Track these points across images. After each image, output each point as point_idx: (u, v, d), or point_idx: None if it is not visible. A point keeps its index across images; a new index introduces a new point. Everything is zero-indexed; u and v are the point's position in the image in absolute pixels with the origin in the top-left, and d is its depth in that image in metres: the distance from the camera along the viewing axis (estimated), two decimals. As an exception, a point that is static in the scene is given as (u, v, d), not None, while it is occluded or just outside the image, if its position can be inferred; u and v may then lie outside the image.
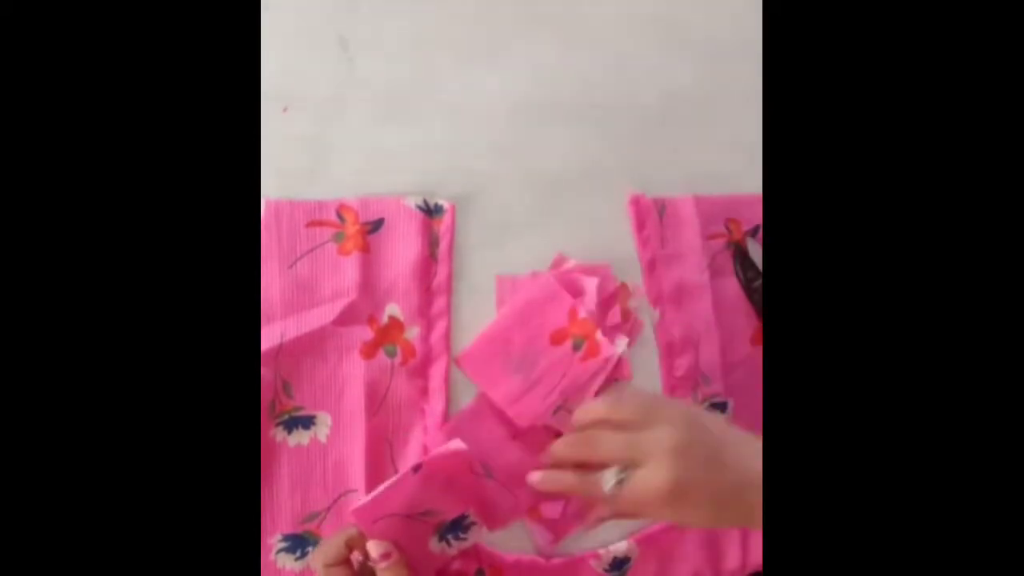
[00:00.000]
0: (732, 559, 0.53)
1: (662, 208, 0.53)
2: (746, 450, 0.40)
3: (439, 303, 0.49)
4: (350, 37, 0.49)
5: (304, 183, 0.47)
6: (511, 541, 0.48)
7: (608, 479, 0.40)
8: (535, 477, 0.43)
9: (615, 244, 0.53)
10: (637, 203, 0.53)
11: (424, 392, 0.48)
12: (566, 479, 0.43)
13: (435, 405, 0.48)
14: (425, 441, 0.47)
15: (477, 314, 0.49)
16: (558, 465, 0.43)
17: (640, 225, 0.53)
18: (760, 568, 0.54)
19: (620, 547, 0.50)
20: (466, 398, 0.48)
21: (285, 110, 0.47)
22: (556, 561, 0.48)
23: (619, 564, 0.50)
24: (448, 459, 0.41)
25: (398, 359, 0.47)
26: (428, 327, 0.48)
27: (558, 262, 0.51)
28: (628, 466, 0.40)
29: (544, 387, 0.47)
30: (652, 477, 0.39)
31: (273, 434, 0.45)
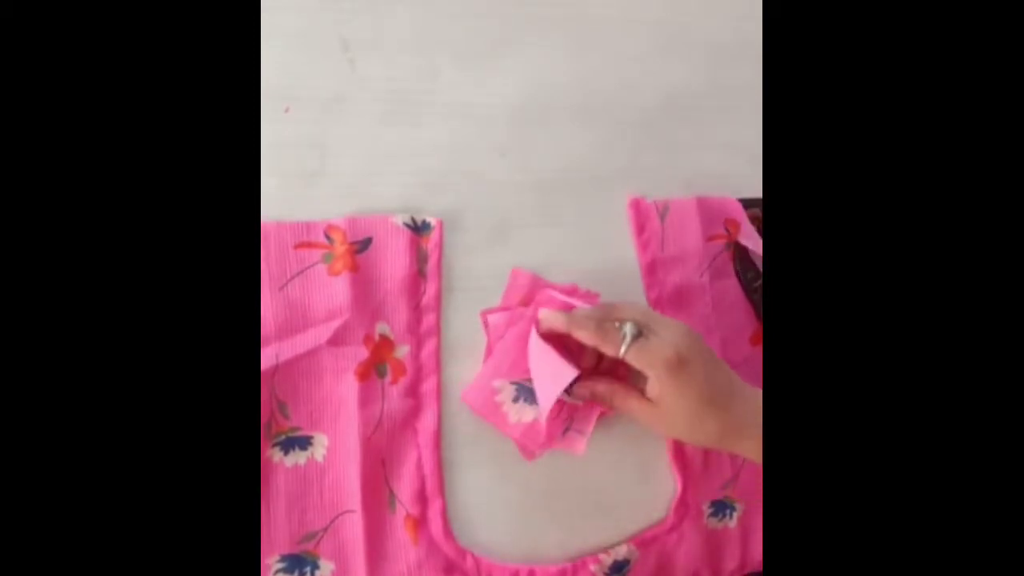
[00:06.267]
0: (731, 560, 0.53)
1: (665, 210, 0.53)
2: (732, 374, 0.47)
3: (428, 320, 0.48)
4: (351, 38, 0.49)
5: (305, 184, 0.47)
6: (508, 547, 0.48)
7: (626, 330, 0.45)
8: (546, 314, 0.47)
9: (615, 246, 0.53)
10: (636, 206, 0.53)
11: (416, 411, 0.47)
12: (586, 325, 0.45)
13: (427, 423, 0.47)
14: (419, 459, 0.47)
15: (470, 325, 0.49)
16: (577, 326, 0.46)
17: (640, 228, 0.53)
18: (759, 568, 0.54)
19: (620, 551, 0.50)
20: (458, 415, 0.48)
21: (287, 110, 0.47)
22: (555, 568, 0.48)
23: (619, 567, 0.50)
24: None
25: (388, 378, 0.47)
26: (418, 345, 0.48)
27: (514, 276, 0.50)
28: (643, 328, 0.45)
29: (551, 411, 0.47)
30: (664, 338, 0.45)
31: (270, 455, 0.45)
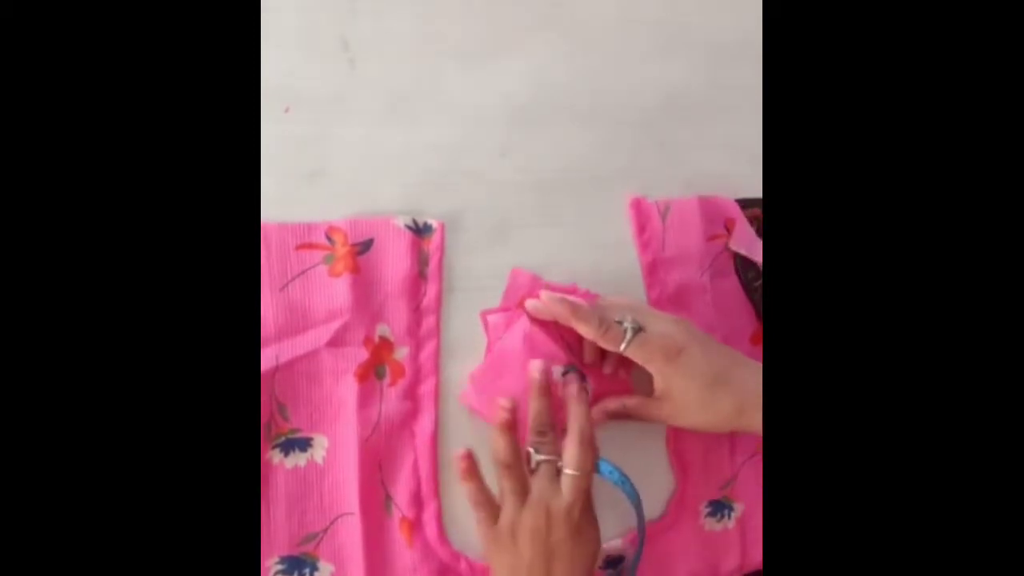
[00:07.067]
0: (730, 559, 0.53)
1: (666, 210, 0.53)
2: (733, 352, 0.48)
3: (428, 322, 0.48)
4: (351, 38, 0.49)
5: (305, 184, 0.47)
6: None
7: (627, 325, 0.45)
8: (547, 295, 0.47)
9: (615, 246, 0.53)
10: (637, 206, 0.53)
11: (414, 413, 0.47)
12: (590, 319, 0.45)
13: (425, 425, 0.47)
14: (415, 461, 0.47)
15: (470, 325, 0.49)
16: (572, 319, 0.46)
17: (640, 228, 0.53)
18: (759, 568, 0.54)
19: (614, 545, 0.50)
20: (456, 417, 0.48)
21: (287, 110, 0.47)
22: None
23: (613, 562, 0.50)
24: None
25: (387, 380, 0.47)
26: (417, 347, 0.48)
27: (514, 276, 0.50)
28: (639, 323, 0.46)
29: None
30: (657, 329, 0.46)
31: (269, 456, 0.45)
